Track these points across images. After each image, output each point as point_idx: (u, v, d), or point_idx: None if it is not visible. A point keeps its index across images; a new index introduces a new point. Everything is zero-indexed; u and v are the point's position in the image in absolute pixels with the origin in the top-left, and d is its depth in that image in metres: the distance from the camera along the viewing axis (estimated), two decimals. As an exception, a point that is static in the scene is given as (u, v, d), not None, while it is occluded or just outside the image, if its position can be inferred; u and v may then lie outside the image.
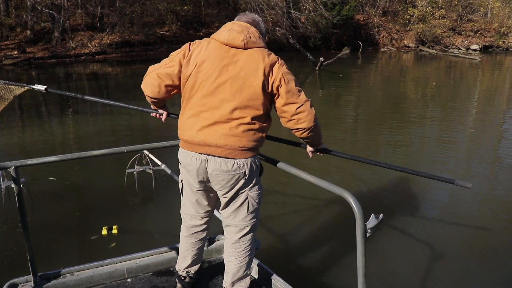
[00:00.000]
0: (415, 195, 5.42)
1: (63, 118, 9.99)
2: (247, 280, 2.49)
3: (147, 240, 4.10)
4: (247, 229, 2.36)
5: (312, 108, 2.20)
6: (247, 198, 2.28)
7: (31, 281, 2.51)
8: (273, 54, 2.22)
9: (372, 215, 1.80)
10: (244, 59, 2.15)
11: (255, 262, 2.78)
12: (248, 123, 2.15)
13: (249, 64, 2.14)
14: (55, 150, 7.25)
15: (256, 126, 2.18)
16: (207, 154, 2.17)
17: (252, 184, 2.26)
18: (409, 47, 27.82)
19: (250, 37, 2.17)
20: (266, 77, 2.13)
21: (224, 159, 2.16)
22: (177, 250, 2.91)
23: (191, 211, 2.49)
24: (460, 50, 27.13)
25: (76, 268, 2.67)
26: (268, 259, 3.03)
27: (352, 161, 2.55)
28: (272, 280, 2.64)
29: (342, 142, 7.98)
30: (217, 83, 2.13)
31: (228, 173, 2.18)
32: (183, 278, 2.60)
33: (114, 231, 4.17)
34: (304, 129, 2.19)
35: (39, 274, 2.55)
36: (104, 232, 4.17)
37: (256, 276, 2.77)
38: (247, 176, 2.21)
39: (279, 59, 2.20)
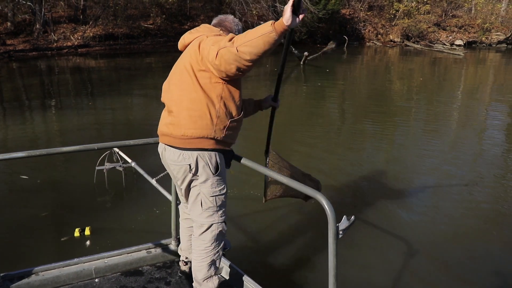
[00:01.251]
0: (389, 196, 5.34)
1: (43, 112, 9.77)
2: (215, 280, 2.45)
3: (116, 239, 4.00)
4: (205, 226, 2.32)
5: (233, 42, 1.90)
6: (199, 193, 2.26)
7: None
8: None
9: (344, 216, 1.79)
10: (186, 50, 2.26)
11: (226, 263, 2.74)
12: (189, 109, 2.13)
13: (187, 51, 2.23)
14: (30, 145, 7.04)
15: (198, 112, 2.12)
16: (164, 144, 2.27)
17: (203, 180, 2.22)
18: (394, 42, 27.93)
19: (194, 32, 2.28)
20: (195, 54, 2.12)
21: (171, 148, 2.21)
22: (146, 249, 2.90)
23: (181, 200, 2.60)
24: (444, 46, 27.32)
25: (41, 268, 2.60)
26: (239, 259, 3.01)
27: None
28: (244, 281, 2.60)
29: (326, 137, 7.96)
30: (171, 77, 2.29)
31: (175, 163, 2.21)
32: (183, 263, 2.74)
33: (87, 232, 4.05)
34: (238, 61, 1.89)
35: (1, 274, 2.48)
36: (77, 233, 4.03)
37: (227, 277, 2.73)
38: (193, 169, 2.18)
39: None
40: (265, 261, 3.90)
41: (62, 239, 4.03)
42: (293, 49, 18.04)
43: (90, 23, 22.46)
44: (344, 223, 1.78)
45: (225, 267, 2.76)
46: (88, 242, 3.98)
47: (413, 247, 4.14)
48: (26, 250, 3.82)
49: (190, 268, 2.61)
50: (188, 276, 2.67)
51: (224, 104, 2.15)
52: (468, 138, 8.12)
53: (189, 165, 2.17)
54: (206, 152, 2.18)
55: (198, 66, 2.11)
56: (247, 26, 23.18)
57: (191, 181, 2.25)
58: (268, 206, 4.90)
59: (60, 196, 5.10)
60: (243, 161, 2.37)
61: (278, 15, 22.23)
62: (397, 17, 28.35)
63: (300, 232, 4.43)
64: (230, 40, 1.91)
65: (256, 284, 2.53)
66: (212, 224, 2.31)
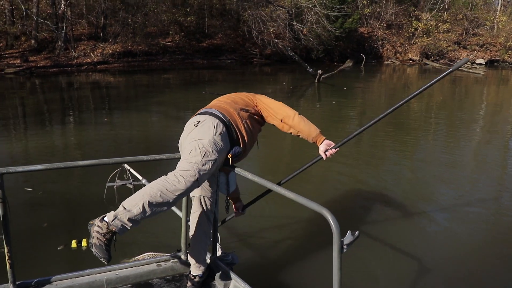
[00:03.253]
0: (393, 211, 5.33)
1: (61, 126, 9.97)
2: (108, 222, 2.23)
3: (126, 252, 3.98)
4: (179, 168, 2.48)
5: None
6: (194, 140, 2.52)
7: None
8: None
9: (349, 231, 1.84)
10: None
11: (233, 277, 2.78)
12: None
13: None
14: (48, 158, 7.20)
15: None
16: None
17: (202, 132, 2.52)
18: (413, 60, 27.70)
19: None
20: None
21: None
22: (156, 262, 2.95)
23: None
24: (464, 65, 26.93)
25: (55, 278, 2.66)
26: (245, 273, 2.98)
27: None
28: None
29: (344, 157, 7.80)
30: None
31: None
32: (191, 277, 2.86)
33: (84, 244, 4.10)
34: None
35: (17, 282, 2.54)
36: (74, 245, 4.10)
37: None
38: (200, 123, 2.57)
39: None
40: (269, 274, 3.93)
41: (59, 248, 4.11)
42: (308, 67, 18.02)
43: (110, 40, 22.91)
44: (348, 238, 1.83)
45: (233, 281, 2.79)
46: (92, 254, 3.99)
47: (422, 264, 4.08)
48: (38, 260, 3.92)
49: (194, 284, 2.75)
50: None
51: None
52: (490, 158, 7.85)
53: (199, 120, 2.48)
54: (217, 120, 2.47)
55: None
56: (263, 44, 23.35)
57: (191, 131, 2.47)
58: (272, 220, 5.02)
59: (68, 209, 5.14)
60: (250, 176, 2.41)
61: (295, 33, 22.31)
62: (416, 35, 28.15)
63: (305, 246, 4.44)
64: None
65: None
66: (188, 170, 2.25)
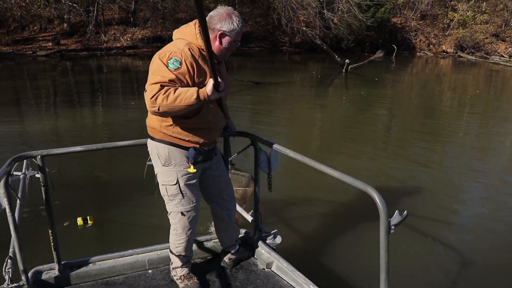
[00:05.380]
0: (443, 194, 5.40)
1: (91, 108, 10.16)
2: (179, 271, 2.62)
3: (167, 233, 4.05)
4: (169, 213, 2.55)
5: (157, 94, 2.11)
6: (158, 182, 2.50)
7: (55, 269, 2.59)
8: (171, 46, 2.25)
9: (396, 211, 1.77)
10: None
11: (276, 257, 2.81)
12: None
13: None
14: (73, 140, 7.40)
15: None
16: None
17: (156, 168, 2.47)
18: (447, 52, 26.78)
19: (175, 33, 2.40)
20: None
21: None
22: (197, 242, 3.01)
23: None
24: (502, 58, 25.88)
25: (98, 258, 2.74)
26: (289, 254, 3.04)
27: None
28: (293, 276, 2.63)
29: (372, 144, 7.65)
30: None
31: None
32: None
33: (90, 221, 4.18)
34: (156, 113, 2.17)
35: (63, 262, 2.62)
36: (80, 222, 4.16)
37: (277, 272, 2.78)
38: (151, 158, 2.49)
39: (163, 53, 2.20)
40: (314, 256, 3.94)
41: (65, 224, 4.20)
42: (336, 56, 17.68)
43: (139, 25, 23.05)
44: (396, 218, 1.76)
45: (275, 261, 2.80)
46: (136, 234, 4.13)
47: (463, 251, 4.11)
48: (81, 242, 4.02)
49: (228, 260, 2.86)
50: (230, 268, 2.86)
51: None
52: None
53: (151, 152, 2.46)
54: (157, 143, 2.38)
55: None
56: (292, 32, 23.05)
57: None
58: (317, 201, 5.08)
59: (108, 190, 5.29)
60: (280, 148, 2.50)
61: (325, 22, 21.91)
62: (451, 26, 27.20)
63: (350, 227, 4.45)
64: (154, 95, 2.10)
65: (306, 278, 2.56)
66: (170, 212, 2.52)
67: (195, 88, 2.13)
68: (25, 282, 2.38)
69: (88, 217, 4.23)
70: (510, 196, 5.56)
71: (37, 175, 2.43)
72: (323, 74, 17.63)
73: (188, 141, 2.38)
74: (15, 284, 2.34)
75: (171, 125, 2.32)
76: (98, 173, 5.75)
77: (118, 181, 5.46)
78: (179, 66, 2.15)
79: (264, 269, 2.84)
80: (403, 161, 6.77)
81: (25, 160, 2.48)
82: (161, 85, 2.11)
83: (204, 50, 2.18)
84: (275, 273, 2.78)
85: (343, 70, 17.04)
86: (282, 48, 25.37)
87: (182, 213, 2.49)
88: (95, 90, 12.89)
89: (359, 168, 6.33)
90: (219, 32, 2.27)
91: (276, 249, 2.95)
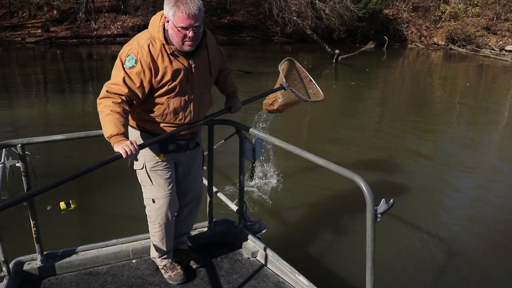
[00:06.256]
0: (431, 185, 5.45)
1: (81, 95, 10.12)
2: (160, 262, 2.61)
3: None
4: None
5: (102, 100, 2.12)
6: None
7: (37, 260, 2.56)
8: (134, 40, 2.20)
9: (383, 200, 1.77)
10: None
11: (260, 246, 2.80)
12: None
13: None
14: (62, 128, 7.32)
15: None
16: None
17: None
18: (438, 45, 26.84)
19: None
20: None
21: None
22: None
23: None
24: (492, 51, 26.01)
25: (81, 248, 2.71)
26: (274, 243, 3.05)
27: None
28: (279, 264, 2.64)
29: (362, 133, 7.69)
30: None
31: None
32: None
33: (73, 205, 4.19)
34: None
35: (45, 252, 2.59)
36: (63, 206, 4.17)
37: (262, 260, 2.78)
38: None
39: (124, 48, 2.17)
40: (300, 245, 3.94)
41: (48, 208, 4.21)
42: (326, 46, 17.64)
43: (130, 13, 22.79)
44: (382, 206, 1.76)
45: (260, 250, 2.80)
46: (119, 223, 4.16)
47: (449, 240, 4.15)
48: (64, 231, 4.01)
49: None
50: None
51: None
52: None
53: None
54: (130, 128, 2.33)
55: None
56: (284, 22, 22.93)
57: None
58: (303, 188, 5.13)
59: (90, 177, 5.17)
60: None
61: (316, 12, 21.82)
62: (443, 19, 27.25)
63: (336, 215, 4.47)
64: (101, 97, 2.14)
65: (291, 267, 2.57)
66: (144, 199, 2.52)
67: (112, 131, 2.03)
68: (7, 273, 2.36)
69: (70, 201, 4.23)
70: (499, 185, 5.64)
71: (18, 164, 2.39)
72: (314, 64, 17.61)
73: (154, 129, 2.34)
74: None
75: (138, 113, 2.31)
76: (82, 161, 5.71)
77: (102, 169, 5.41)
78: (134, 64, 2.10)
79: (249, 258, 2.85)
80: (392, 151, 6.83)
81: (4, 151, 2.43)
82: (107, 91, 2.11)
83: (166, 45, 2.13)
84: (260, 262, 2.79)
85: (333, 61, 17.02)
86: (274, 38, 25.23)
87: (153, 200, 2.45)
88: (85, 78, 12.80)
89: (348, 157, 6.38)
90: (165, 18, 2.11)
91: (261, 238, 2.95)
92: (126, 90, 2.10)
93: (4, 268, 2.36)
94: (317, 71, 16.18)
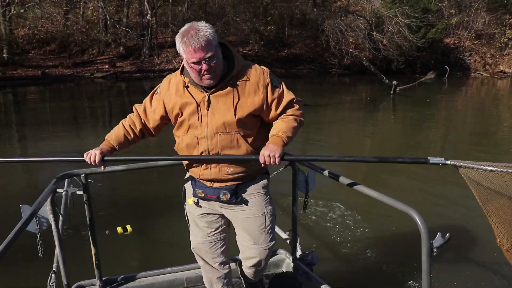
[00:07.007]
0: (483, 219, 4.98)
1: None
2: None
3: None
4: None
5: None
6: None
7: (97, 285, 2.67)
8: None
9: (439, 234, 1.76)
10: None
11: (313, 277, 2.79)
12: None
13: None
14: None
15: None
16: None
17: None
18: (505, 73, 25.65)
19: None
20: None
21: None
22: (235, 261, 2.89)
23: None
24: None
25: (138, 275, 2.82)
26: (325, 274, 3.03)
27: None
28: None
29: (417, 175, 7.37)
30: None
31: None
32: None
33: (129, 229, 4.38)
34: None
35: (104, 278, 2.70)
36: (120, 231, 4.36)
37: None
38: None
39: None
40: (354, 278, 3.88)
41: (107, 232, 4.39)
42: (384, 77, 17.40)
43: (191, 48, 23.76)
44: (438, 241, 1.74)
45: (313, 282, 2.79)
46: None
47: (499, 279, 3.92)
48: (120, 257, 4.12)
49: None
50: None
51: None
52: None
53: None
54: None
55: None
56: (341, 54, 22.95)
57: None
58: (353, 219, 5.05)
59: (146, 207, 5.41)
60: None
61: (374, 44, 21.67)
62: (509, 46, 26.09)
63: (389, 248, 4.40)
64: None
65: None
66: None
67: (107, 135, 2.30)
68: None
69: (127, 226, 4.40)
70: None
71: (79, 192, 2.52)
72: (372, 96, 17.38)
73: (186, 167, 2.30)
74: None
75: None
76: (140, 189, 5.92)
77: (158, 198, 5.59)
78: (158, 92, 2.23)
79: None
80: (453, 184, 6.50)
81: (67, 179, 2.56)
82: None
83: (182, 76, 2.11)
84: None
85: (391, 92, 16.75)
86: (331, 70, 25.28)
87: (192, 245, 2.39)
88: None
89: (406, 189, 6.19)
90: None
91: (314, 270, 2.93)
92: (142, 109, 2.26)
93: None
94: (375, 103, 15.95)
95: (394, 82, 16.62)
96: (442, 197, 5.88)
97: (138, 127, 2.28)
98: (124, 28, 22.23)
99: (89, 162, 2.13)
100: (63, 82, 19.27)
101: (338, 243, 4.50)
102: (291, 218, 2.91)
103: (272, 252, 3.09)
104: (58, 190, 2.51)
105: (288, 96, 2.11)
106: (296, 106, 2.13)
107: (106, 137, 2.27)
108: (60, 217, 2.50)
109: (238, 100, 2.05)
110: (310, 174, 2.74)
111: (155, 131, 2.31)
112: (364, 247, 4.43)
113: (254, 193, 2.22)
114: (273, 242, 2.30)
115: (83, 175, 2.44)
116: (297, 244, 2.98)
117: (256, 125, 2.14)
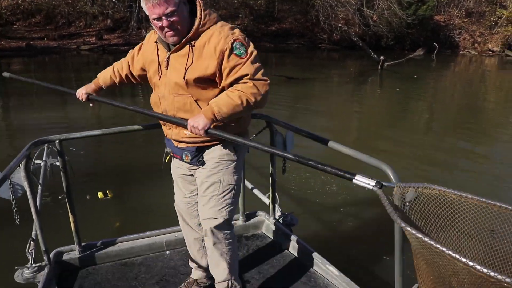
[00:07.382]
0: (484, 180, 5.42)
1: (131, 97, 10.64)
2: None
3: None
4: None
5: None
6: None
7: (76, 250, 2.68)
8: None
9: (411, 187, 1.70)
10: None
11: (293, 238, 2.84)
12: None
13: None
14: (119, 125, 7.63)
15: None
16: None
17: None
18: (493, 51, 25.74)
19: None
20: None
21: None
22: None
23: None
24: (552, 57, 24.62)
25: (118, 240, 2.83)
26: (304, 234, 3.10)
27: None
28: (310, 256, 2.67)
29: (409, 144, 7.44)
30: None
31: None
32: None
33: (110, 195, 4.31)
34: None
35: (83, 244, 2.71)
36: (101, 195, 4.32)
37: (295, 253, 2.82)
38: None
39: None
40: (331, 236, 3.98)
41: (87, 197, 4.44)
42: (372, 53, 17.40)
43: (180, 21, 23.43)
44: (411, 195, 1.70)
45: (291, 242, 2.84)
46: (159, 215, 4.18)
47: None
48: (101, 222, 4.17)
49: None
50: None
51: None
52: None
53: None
54: None
55: None
56: (331, 30, 22.81)
57: None
58: (335, 184, 5.10)
59: (126, 174, 5.43)
60: None
61: (364, 19, 21.56)
62: (499, 24, 26.12)
63: (367, 207, 4.45)
64: None
65: (322, 258, 2.61)
66: None
67: (97, 78, 2.51)
68: (47, 262, 2.48)
69: (107, 191, 4.38)
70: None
71: (57, 163, 2.49)
72: (360, 71, 17.39)
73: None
74: (37, 264, 2.45)
75: None
76: (118, 156, 5.95)
77: (139, 164, 5.62)
78: (144, 42, 2.22)
79: (280, 249, 2.87)
80: (441, 157, 6.59)
81: (45, 148, 2.54)
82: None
83: (156, 39, 2.07)
84: (292, 253, 2.82)
85: (378, 67, 16.78)
86: (321, 45, 25.14)
87: (174, 202, 2.43)
88: (135, 84, 13.36)
89: (397, 160, 6.24)
90: None
91: (293, 230, 2.98)
92: (131, 55, 2.29)
93: (45, 258, 2.47)
94: (362, 77, 15.97)
95: (382, 57, 16.66)
96: (434, 171, 5.95)
97: (125, 72, 2.34)
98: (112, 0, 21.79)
99: (79, 98, 2.48)
100: (49, 54, 18.92)
101: (316, 204, 4.59)
102: (270, 180, 2.95)
103: (251, 214, 3.15)
104: (36, 161, 2.55)
105: (246, 69, 1.88)
106: (250, 84, 1.88)
107: (98, 75, 2.49)
108: (39, 187, 2.49)
109: (192, 62, 1.94)
110: (288, 135, 2.75)
111: (140, 79, 2.33)
112: (342, 206, 4.56)
113: (215, 157, 2.11)
114: (222, 217, 2.12)
115: (57, 141, 2.42)
116: (276, 205, 3.03)
117: (212, 92, 1.99)
